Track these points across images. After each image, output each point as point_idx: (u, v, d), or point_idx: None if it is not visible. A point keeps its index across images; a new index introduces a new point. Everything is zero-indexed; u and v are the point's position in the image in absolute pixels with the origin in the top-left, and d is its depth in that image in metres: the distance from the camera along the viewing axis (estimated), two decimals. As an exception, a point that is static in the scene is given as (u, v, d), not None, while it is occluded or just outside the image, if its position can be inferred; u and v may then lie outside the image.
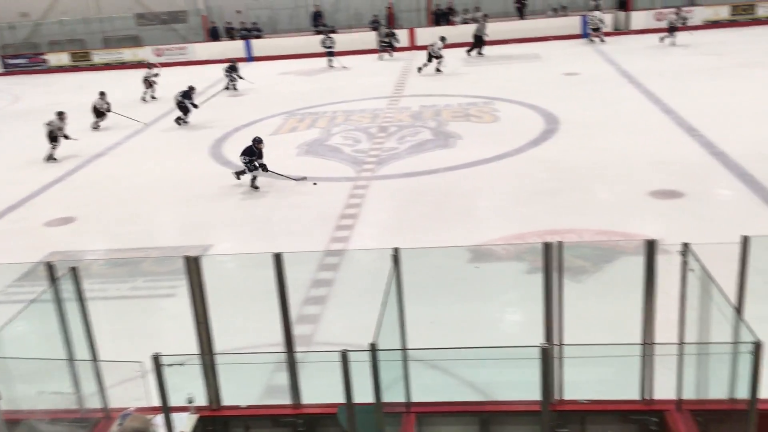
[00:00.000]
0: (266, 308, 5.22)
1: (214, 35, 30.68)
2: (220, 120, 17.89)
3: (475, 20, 26.71)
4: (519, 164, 12.83)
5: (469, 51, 25.06)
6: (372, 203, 11.57)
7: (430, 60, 22.17)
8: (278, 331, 4.92)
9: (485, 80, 20.88)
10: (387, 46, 26.73)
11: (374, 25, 28.65)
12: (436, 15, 29.40)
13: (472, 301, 8.07)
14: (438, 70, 22.13)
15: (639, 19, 27.25)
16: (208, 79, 23.20)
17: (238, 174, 12.56)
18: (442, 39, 22.31)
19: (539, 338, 4.69)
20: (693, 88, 17.58)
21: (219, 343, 5.04)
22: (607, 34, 26.37)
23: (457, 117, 16.58)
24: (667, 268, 4.64)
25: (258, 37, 29.84)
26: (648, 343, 4.51)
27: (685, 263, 4.28)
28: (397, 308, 4.86)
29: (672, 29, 21.20)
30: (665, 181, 11.26)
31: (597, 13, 26.03)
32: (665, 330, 4.66)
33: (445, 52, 22.23)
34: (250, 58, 28.37)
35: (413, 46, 27.85)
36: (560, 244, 4.48)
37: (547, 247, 4.45)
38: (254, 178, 12.40)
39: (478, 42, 24.92)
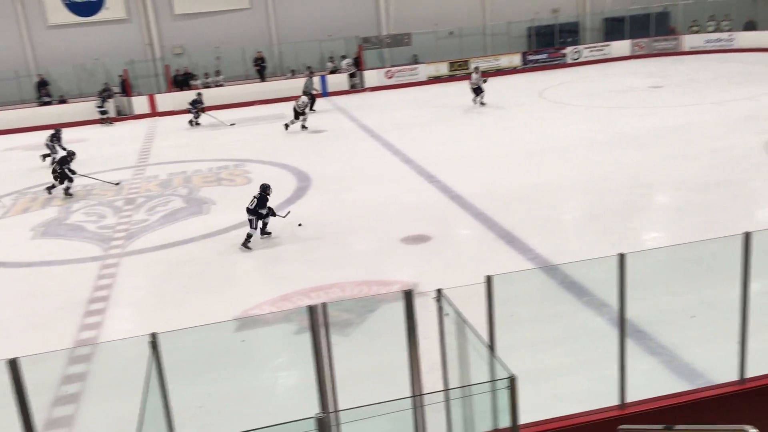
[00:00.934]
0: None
1: None
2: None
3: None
4: (277, 224, 12.86)
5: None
6: (125, 282, 10.78)
7: (297, 117, 21.58)
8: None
9: (234, 142, 20.82)
10: (103, 113, 25.89)
11: (106, 93, 27.16)
12: (176, 80, 28.83)
13: (243, 372, 7.79)
14: (304, 126, 21.52)
15: (371, 78, 29.21)
16: None
17: None
18: (306, 94, 22.66)
19: (316, 401, 4.63)
20: (426, 138, 19.13)
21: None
22: (344, 92, 27.93)
23: (209, 182, 16.25)
24: (424, 313, 4.87)
25: (-27, 111, 26.76)
26: (416, 396, 4.66)
27: (440, 309, 4.51)
28: (161, 395, 4.50)
29: (477, 90, 22.56)
30: (414, 226, 11.99)
31: (315, 80, 27.35)
32: (431, 373, 4.86)
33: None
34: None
35: (154, 113, 27.00)
36: (324, 305, 4.49)
37: (311, 309, 4.43)
38: None
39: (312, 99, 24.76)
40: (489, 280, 4.58)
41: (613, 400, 5.40)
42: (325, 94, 28.14)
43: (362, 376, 6.65)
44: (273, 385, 7.81)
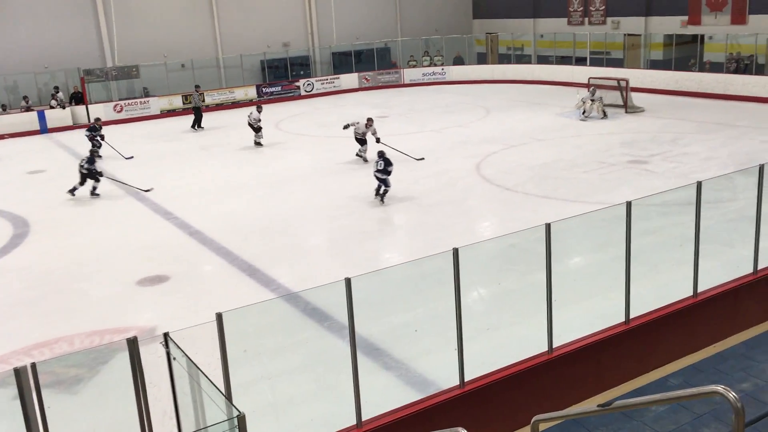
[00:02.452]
0: None
1: None
2: None
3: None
4: (-12, 278, 11.41)
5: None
6: None
7: (257, 131, 21.11)
8: None
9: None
10: None
11: None
12: None
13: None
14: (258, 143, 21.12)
15: (97, 111, 27.39)
16: None
17: None
18: (259, 109, 21.47)
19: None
20: (161, 173, 18.37)
21: None
22: (67, 128, 25.83)
23: None
24: (154, 359, 4.61)
25: None
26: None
27: (168, 353, 4.30)
28: None
29: (255, 129, 21.44)
30: (151, 267, 11.39)
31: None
32: (164, 422, 4.60)
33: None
34: None
35: None
36: (33, 365, 4.03)
37: (18, 372, 3.95)
38: None
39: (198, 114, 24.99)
40: (219, 317, 4.47)
41: (352, 420, 5.56)
42: (44, 131, 25.76)
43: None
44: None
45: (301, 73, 32.61)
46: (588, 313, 8.44)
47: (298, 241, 12.70)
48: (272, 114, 26.56)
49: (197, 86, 26.55)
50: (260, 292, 10.04)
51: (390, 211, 14.21)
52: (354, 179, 16.55)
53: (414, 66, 33.61)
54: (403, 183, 15.89)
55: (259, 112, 21.31)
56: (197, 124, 25.03)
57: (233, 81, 30.97)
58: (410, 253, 11.19)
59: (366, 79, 32.98)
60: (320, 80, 32.25)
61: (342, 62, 33.52)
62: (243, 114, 27.50)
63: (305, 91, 31.61)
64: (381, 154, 14.57)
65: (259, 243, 12.40)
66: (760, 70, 24.51)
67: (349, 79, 32.73)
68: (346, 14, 34.00)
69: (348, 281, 5.53)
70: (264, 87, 30.79)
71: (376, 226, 13.27)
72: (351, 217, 13.65)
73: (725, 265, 9.18)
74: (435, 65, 33.78)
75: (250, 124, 21.23)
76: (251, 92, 30.55)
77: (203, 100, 27.03)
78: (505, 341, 8.06)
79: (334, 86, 32.36)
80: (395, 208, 14.36)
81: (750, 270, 8.77)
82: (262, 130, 21.38)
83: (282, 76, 31.71)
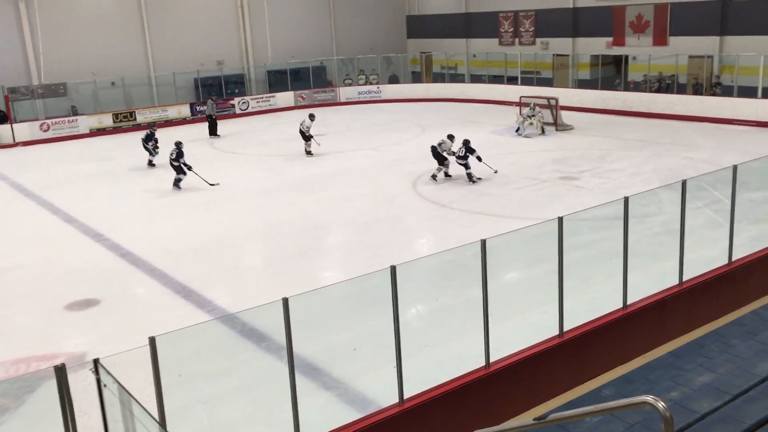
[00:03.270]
0: None
1: None
2: None
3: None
4: None
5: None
6: None
7: (307, 139, 21.43)
8: None
9: None
10: None
11: None
12: None
13: None
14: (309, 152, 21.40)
15: (23, 131, 26.49)
16: None
17: None
18: (312, 117, 21.71)
19: None
20: (90, 194, 17.84)
21: None
22: (-8, 147, 24.85)
23: None
24: (84, 386, 4.46)
25: None
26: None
27: (98, 380, 4.16)
28: None
29: (305, 137, 21.03)
30: (80, 291, 11.02)
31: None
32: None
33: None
34: None
35: None
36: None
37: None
38: None
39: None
40: (152, 341, 4.36)
41: (291, 442, 5.50)
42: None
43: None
44: None
45: (236, 91, 32.33)
46: (524, 327, 8.60)
47: (234, 262, 12.51)
48: (205, 133, 26.20)
49: (212, 95, 28.39)
50: (195, 315, 9.84)
51: (327, 230, 14.18)
52: (289, 198, 16.46)
53: (350, 84, 33.76)
54: (340, 201, 15.89)
55: (312, 120, 21.58)
56: (213, 132, 25.84)
57: (166, 99, 30.44)
58: (348, 272, 11.16)
59: (302, 97, 32.94)
60: (255, 98, 32.03)
61: (277, 80, 33.40)
62: (177, 133, 27.08)
63: (240, 109, 31.32)
64: (466, 143, 16.92)
65: (193, 264, 12.16)
66: (681, 89, 25.64)
67: (285, 98, 32.62)
68: (281, 32, 33.93)
69: (285, 301, 5.49)
70: (198, 105, 30.35)
71: (313, 245, 13.21)
72: (288, 237, 13.55)
73: (652, 277, 9.51)
74: (370, 84, 34.03)
75: (301, 132, 21.52)
76: (185, 110, 30.07)
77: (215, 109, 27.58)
78: (444, 357, 8.12)
79: (270, 104, 32.19)
80: (333, 226, 14.33)
81: (676, 281, 9.11)
82: (313, 139, 21.57)
83: (217, 95, 31.38)
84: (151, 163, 20.86)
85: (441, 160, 17.37)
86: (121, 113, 28.63)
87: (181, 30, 31.41)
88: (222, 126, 27.32)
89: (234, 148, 23.64)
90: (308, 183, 17.86)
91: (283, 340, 7.95)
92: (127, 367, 4.98)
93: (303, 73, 33.77)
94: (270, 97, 32.41)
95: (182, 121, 29.61)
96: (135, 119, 28.74)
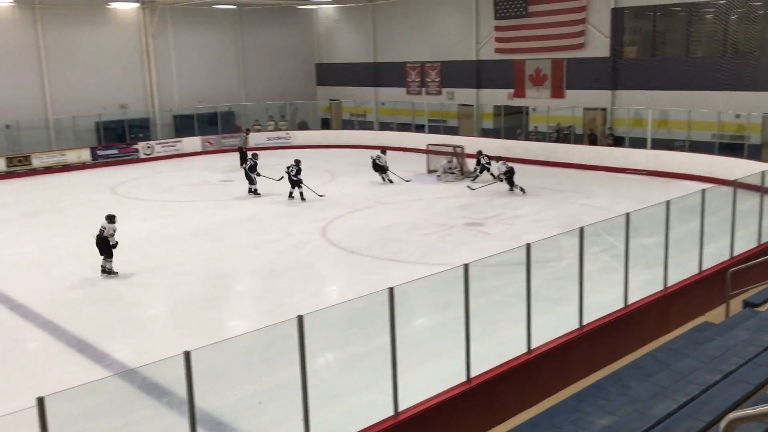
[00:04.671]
0: None
1: None
2: None
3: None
4: None
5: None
6: None
7: (384, 172, 23.08)
8: None
9: None
10: None
11: None
12: None
13: None
14: (390, 181, 23.08)
15: None
16: None
17: None
18: (384, 152, 23.50)
19: None
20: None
21: None
22: None
23: None
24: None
25: None
26: None
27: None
28: None
29: (383, 170, 22.40)
30: (-38, 347, 10.26)
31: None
32: None
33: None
34: None
35: None
36: None
37: None
38: None
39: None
40: (41, 402, 4.09)
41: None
42: None
43: None
44: None
45: (140, 135, 31.47)
46: (432, 374, 8.62)
47: (134, 312, 12.02)
48: (108, 178, 25.33)
49: (248, 129, 30.25)
50: (92, 370, 9.33)
51: (235, 278, 13.87)
52: (195, 246, 16.03)
53: (259, 130, 33.59)
54: (248, 248, 15.62)
55: (385, 154, 23.50)
56: (243, 162, 25.46)
57: (65, 143, 29.25)
58: (256, 321, 10.93)
59: (209, 142, 32.46)
60: (161, 143, 31.30)
61: (184, 125, 32.79)
62: (77, 178, 26.06)
63: (145, 154, 30.50)
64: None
65: (90, 315, 11.60)
66: (578, 140, 26.96)
67: (192, 143, 32.04)
68: (188, 77, 33.46)
69: (187, 354, 5.28)
70: (99, 150, 29.35)
71: (220, 294, 12.87)
72: (193, 286, 13.15)
73: (554, 321, 9.78)
74: (280, 130, 33.99)
75: (381, 167, 23.13)
76: (85, 155, 28.97)
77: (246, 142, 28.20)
78: (353, 407, 8.02)
79: (176, 149, 31.51)
80: (240, 274, 14.03)
81: (576, 325, 9.41)
82: (388, 171, 23.20)
83: (119, 139, 30.47)
84: (255, 192, 22.04)
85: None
86: (14, 157, 27.28)
87: (83, 73, 30.41)
88: (124, 171, 26.49)
89: (136, 194, 22.91)
90: (213, 230, 17.48)
91: (184, 395, 7.64)
92: (12, 431, 4.63)
93: (210, 118, 33.36)
94: (176, 141, 31.76)
95: (82, 166, 28.50)
96: (30, 164, 27.45)
